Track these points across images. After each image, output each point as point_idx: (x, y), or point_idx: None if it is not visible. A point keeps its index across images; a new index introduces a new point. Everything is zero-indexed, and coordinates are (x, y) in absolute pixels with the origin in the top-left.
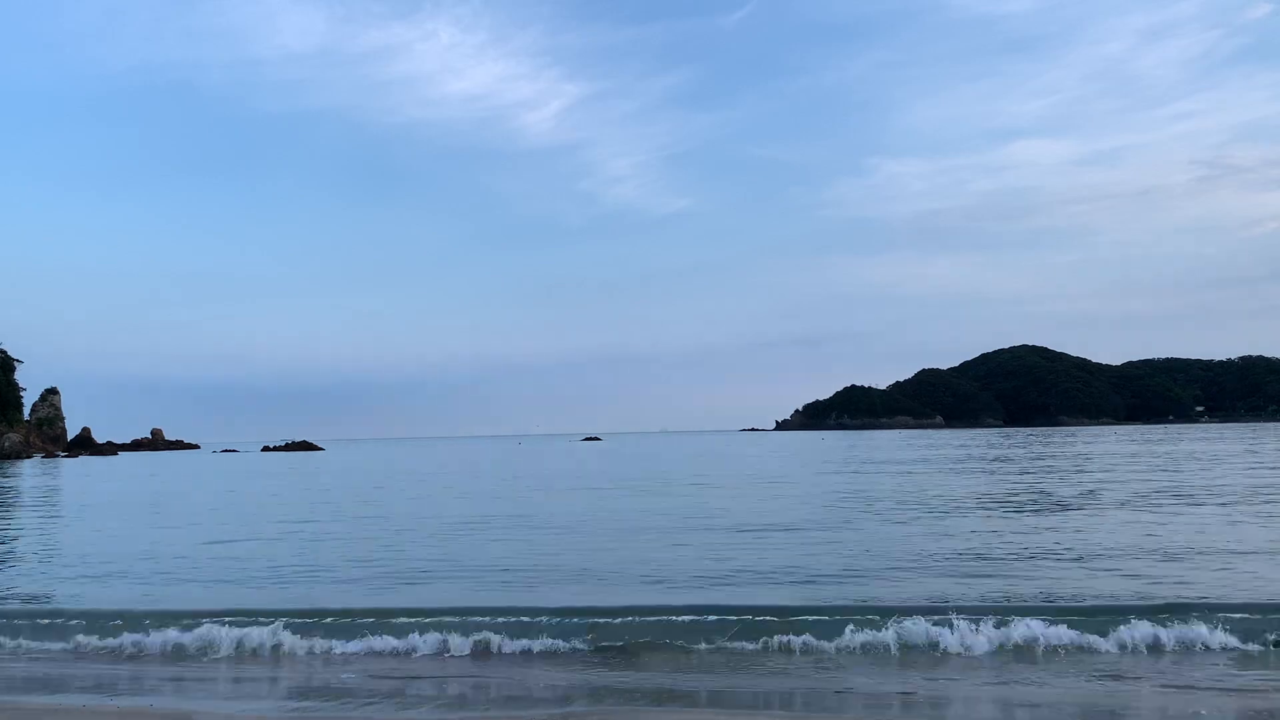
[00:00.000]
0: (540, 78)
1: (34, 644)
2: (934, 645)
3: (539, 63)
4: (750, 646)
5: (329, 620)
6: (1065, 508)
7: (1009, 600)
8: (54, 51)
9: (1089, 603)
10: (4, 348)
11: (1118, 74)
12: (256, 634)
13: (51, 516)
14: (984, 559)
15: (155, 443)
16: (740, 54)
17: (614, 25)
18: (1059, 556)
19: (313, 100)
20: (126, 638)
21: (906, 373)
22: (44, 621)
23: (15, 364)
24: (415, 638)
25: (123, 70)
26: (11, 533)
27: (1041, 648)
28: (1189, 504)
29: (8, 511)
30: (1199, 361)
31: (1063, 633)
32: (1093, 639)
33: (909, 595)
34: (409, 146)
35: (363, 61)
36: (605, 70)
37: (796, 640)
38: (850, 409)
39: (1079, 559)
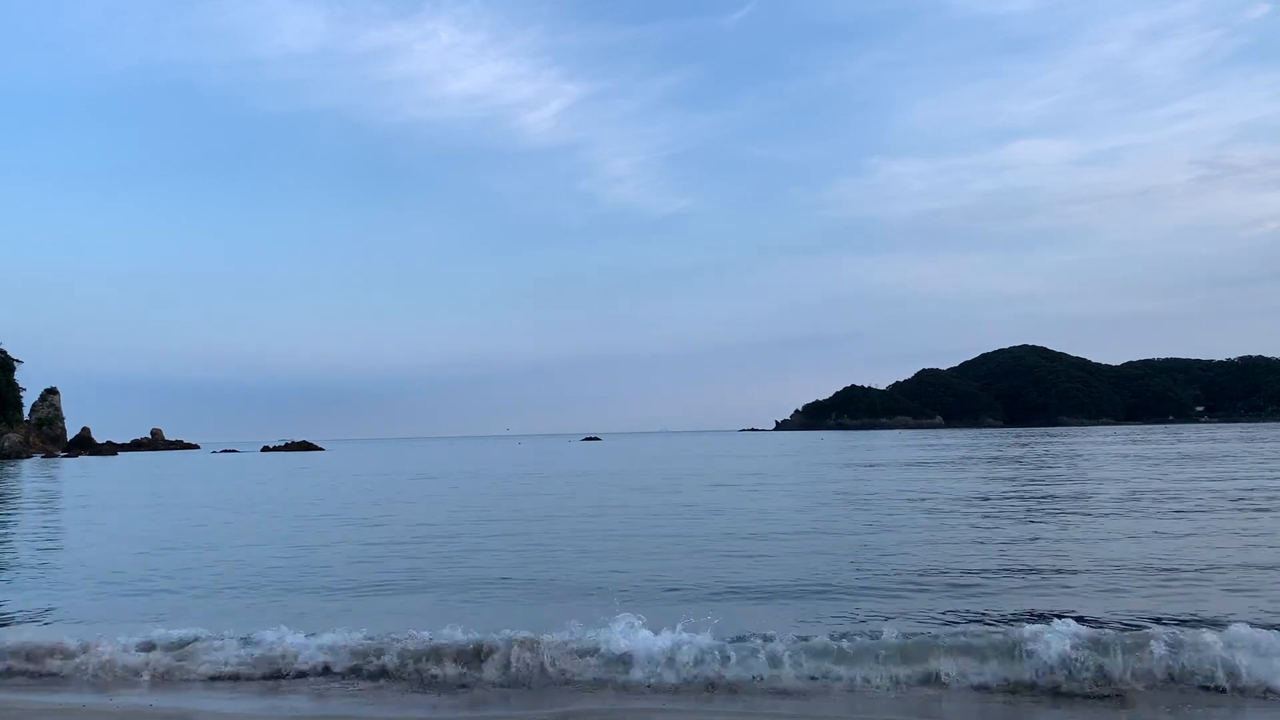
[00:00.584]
0: (540, 78)
1: None
2: None
3: (539, 63)
4: None
5: None
6: (1058, 513)
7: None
8: (54, 51)
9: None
10: (4, 348)
11: (1118, 74)
12: None
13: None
14: (985, 572)
15: (155, 443)
16: (740, 54)
17: (614, 25)
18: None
19: (313, 100)
20: None
21: (906, 373)
22: None
23: (15, 364)
24: None
25: (123, 70)
26: None
27: None
28: (1185, 510)
29: None
30: (1199, 361)
31: None
32: None
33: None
34: (409, 146)
35: (363, 61)
36: (605, 70)
37: None
38: (850, 409)
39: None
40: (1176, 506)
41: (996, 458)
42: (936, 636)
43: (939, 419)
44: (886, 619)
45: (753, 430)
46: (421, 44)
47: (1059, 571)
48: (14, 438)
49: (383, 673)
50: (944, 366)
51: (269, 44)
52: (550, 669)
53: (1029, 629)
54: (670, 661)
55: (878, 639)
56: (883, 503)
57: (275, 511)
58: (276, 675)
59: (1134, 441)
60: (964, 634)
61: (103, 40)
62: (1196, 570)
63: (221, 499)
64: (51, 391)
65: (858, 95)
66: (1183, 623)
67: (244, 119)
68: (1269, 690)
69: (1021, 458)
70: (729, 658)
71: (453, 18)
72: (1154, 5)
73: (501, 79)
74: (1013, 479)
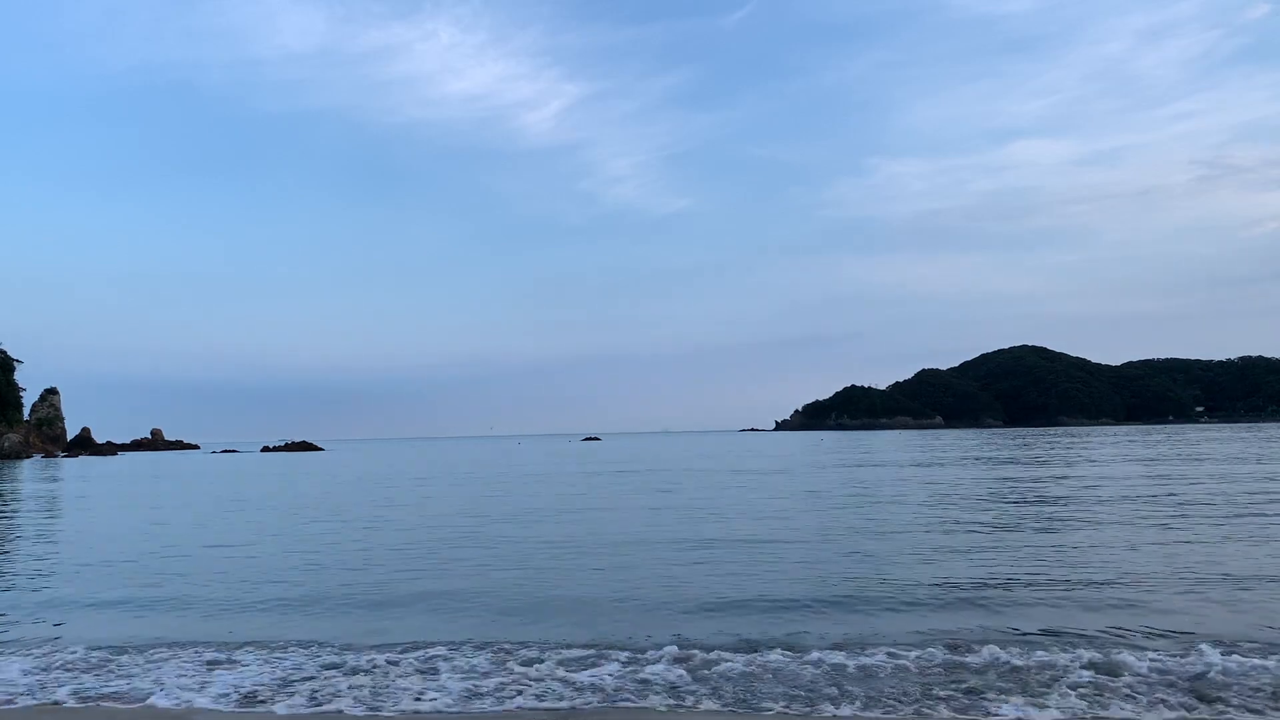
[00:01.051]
0: (540, 78)
1: None
2: None
3: (539, 63)
4: None
5: None
6: (1050, 522)
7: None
8: (54, 51)
9: None
10: (4, 348)
11: (1118, 74)
12: None
13: None
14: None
15: (155, 443)
16: (740, 54)
17: (614, 25)
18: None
19: (313, 100)
20: None
21: (906, 373)
22: None
23: (15, 364)
24: None
25: (123, 70)
26: None
27: None
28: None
29: None
30: (1199, 361)
31: None
32: None
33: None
34: (409, 146)
35: (363, 61)
36: (605, 70)
37: None
38: (850, 409)
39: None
40: (1188, 511)
41: (998, 459)
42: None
43: (939, 419)
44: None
45: (753, 430)
46: (421, 44)
47: (1086, 583)
48: (14, 438)
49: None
50: (944, 366)
51: (269, 44)
52: None
53: None
54: None
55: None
56: (886, 508)
57: (269, 514)
58: None
59: (1133, 442)
60: None
61: (103, 40)
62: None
63: (218, 503)
64: (51, 391)
65: (858, 95)
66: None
67: (244, 119)
68: None
69: (1024, 459)
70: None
71: (453, 18)
72: (1154, 5)
73: (501, 79)
74: (1016, 482)
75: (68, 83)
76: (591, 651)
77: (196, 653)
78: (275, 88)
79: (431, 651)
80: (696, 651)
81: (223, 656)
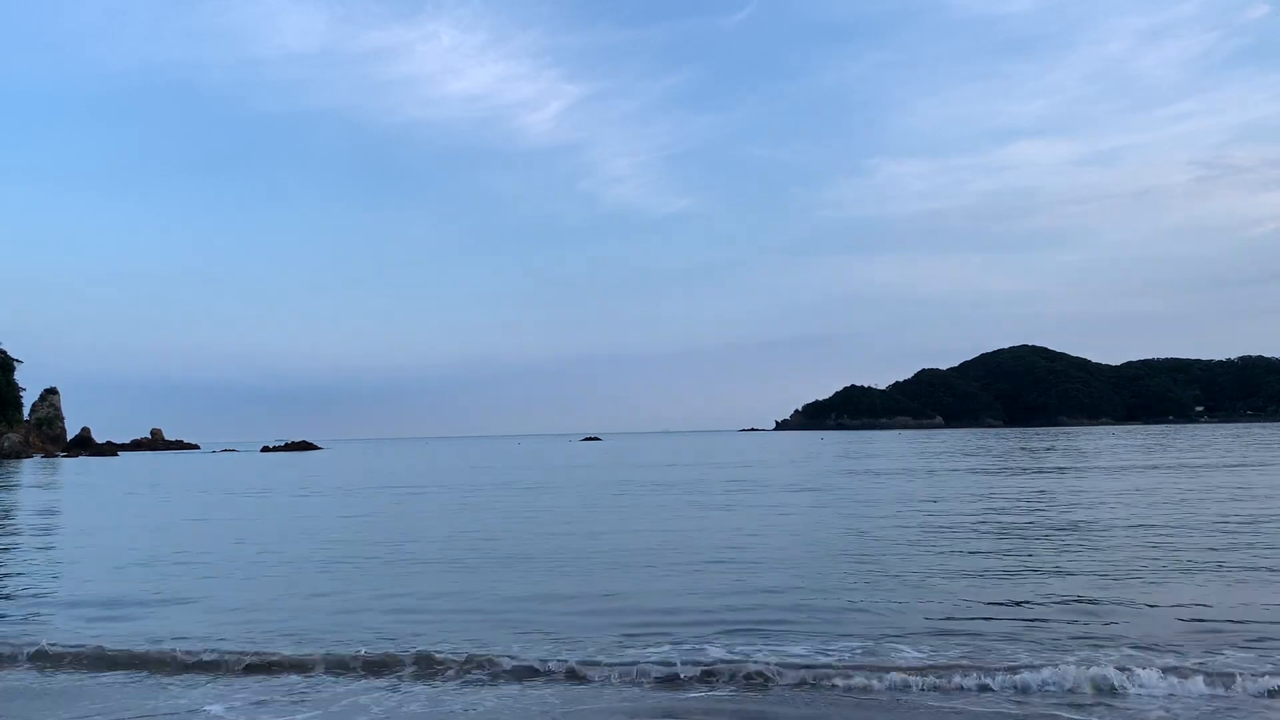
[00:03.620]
0: (540, 78)
1: None
2: None
3: (539, 63)
4: None
5: None
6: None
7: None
8: (54, 51)
9: None
10: (4, 348)
11: (1118, 74)
12: None
13: None
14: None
15: (155, 443)
16: (740, 54)
17: (614, 25)
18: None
19: (313, 100)
20: None
21: (906, 373)
22: None
23: (15, 364)
24: None
25: (123, 70)
26: None
27: None
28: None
29: None
30: (1199, 361)
31: None
32: None
33: None
34: (409, 146)
35: (363, 61)
36: (605, 70)
37: None
38: (850, 409)
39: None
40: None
41: (1003, 465)
42: None
43: (939, 419)
44: None
45: (753, 430)
46: (422, 44)
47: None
48: (14, 438)
49: None
50: (944, 366)
51: (269, 44)
52: None
53: None
54: None
55: None
56: (893, 523)
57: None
58: None
59: (1143, 448)
60: None
61: (103, 40)
62: None
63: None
64: (51, 391)
65: (858, 95)
66: None
67: (244, 119)
68: None
69: (1029, 465)
70: None
71: (453, 18)
72: (1154, 6)
73: (502, 79)
74: (1019, 490)
75: (68, 83)
76: None
77: None
78: (275, 88)
79: None
80: None
81: None
